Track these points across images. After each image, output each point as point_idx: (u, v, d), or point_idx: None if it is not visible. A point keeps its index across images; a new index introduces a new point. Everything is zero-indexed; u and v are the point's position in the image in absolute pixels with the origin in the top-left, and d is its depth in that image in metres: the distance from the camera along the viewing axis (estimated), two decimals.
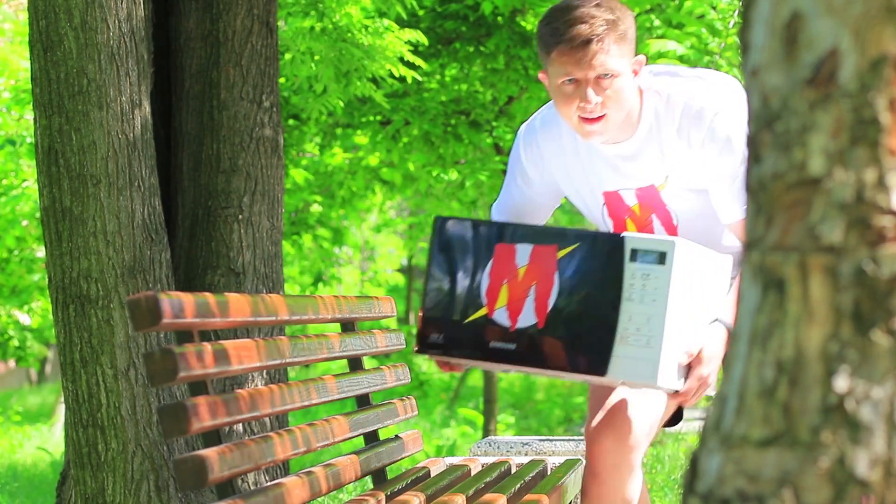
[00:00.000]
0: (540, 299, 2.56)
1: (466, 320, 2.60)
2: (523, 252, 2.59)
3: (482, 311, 2.59)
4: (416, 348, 2.65)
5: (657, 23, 6.09)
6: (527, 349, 2.56)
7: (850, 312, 1.27)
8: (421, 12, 7.15)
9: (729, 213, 2.87)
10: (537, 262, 2.57)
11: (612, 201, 2.93)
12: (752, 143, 1.34)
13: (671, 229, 2.94)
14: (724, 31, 5.74)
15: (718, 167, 2.81)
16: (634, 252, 2.52)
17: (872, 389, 1.26)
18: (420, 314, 2.66)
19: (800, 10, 1.30)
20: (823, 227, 1.28)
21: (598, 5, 2.74)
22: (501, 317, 2.58)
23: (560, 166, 2.92)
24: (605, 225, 2.95)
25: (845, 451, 1.26)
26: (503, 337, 2.58)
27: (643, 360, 2.49)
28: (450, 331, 2.61)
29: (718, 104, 2.79)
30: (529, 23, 7.07)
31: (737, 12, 5.67)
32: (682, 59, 5.67)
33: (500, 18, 7.18)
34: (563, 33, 2.72)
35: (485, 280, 2.60)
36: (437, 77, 7.70)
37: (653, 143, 2.86)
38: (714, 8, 5.83)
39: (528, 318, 2.57)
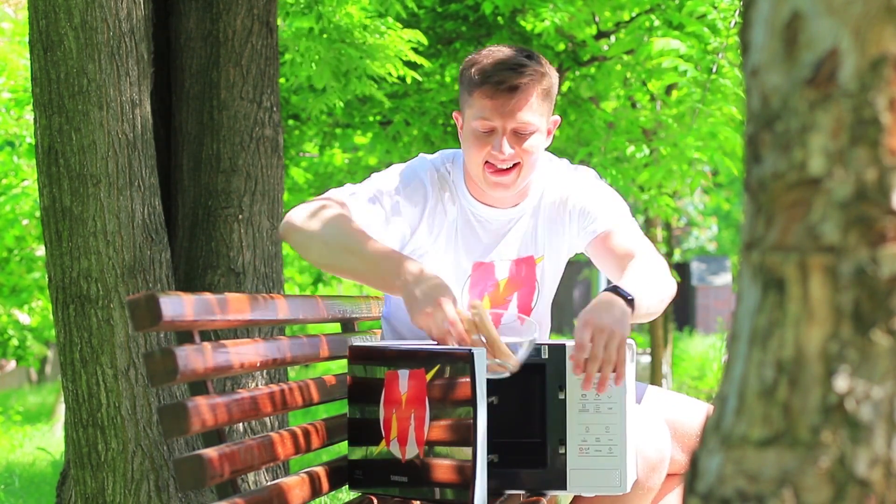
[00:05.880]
0: (419, 427, 2.39)
1: (373, 455, 2.49)
2: (402, 377, 2.43)
3: (382, 445, 2.47)
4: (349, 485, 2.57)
5: (657, 23, 6.08)
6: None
7: (850, 312, 1.27)
8: (421, 12, 7.15)
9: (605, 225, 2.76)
10: (414, 388, 2.41)
11: (480, 274, 2.77)
12: (752, 143, 1.34)
13: (526, 310, 2.81)
14: (725, 30, 5.74)
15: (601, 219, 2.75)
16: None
17: (872, 389, 1.26)
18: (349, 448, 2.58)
19: (800, 10, 1.30)
20: (823, 227, 1.28)
21: (528, 56, 2.65)
22: (395, 449, 2.45)
23: (434, 225, 2.74)
24: (461, 300, 2.75)
25: (845, 451, 1.26)
26: (405, 469, 2.43)
27: (609, 469, 2.45)
28: (365, 466, 2.52)
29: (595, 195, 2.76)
30: (530, 23, 7.07)
31: (737, 12, 5.67)
32: (683, 58, 5.67)
33: (500, 19, 7.17)
34: (489, 76, 2.60)
35: (381, 410, 2.46)
36: (437, 77, 7.69)
37: (536, 216, 2.77)
38: (715, 7, 5.82)
39: (412, 449, 2.41)
